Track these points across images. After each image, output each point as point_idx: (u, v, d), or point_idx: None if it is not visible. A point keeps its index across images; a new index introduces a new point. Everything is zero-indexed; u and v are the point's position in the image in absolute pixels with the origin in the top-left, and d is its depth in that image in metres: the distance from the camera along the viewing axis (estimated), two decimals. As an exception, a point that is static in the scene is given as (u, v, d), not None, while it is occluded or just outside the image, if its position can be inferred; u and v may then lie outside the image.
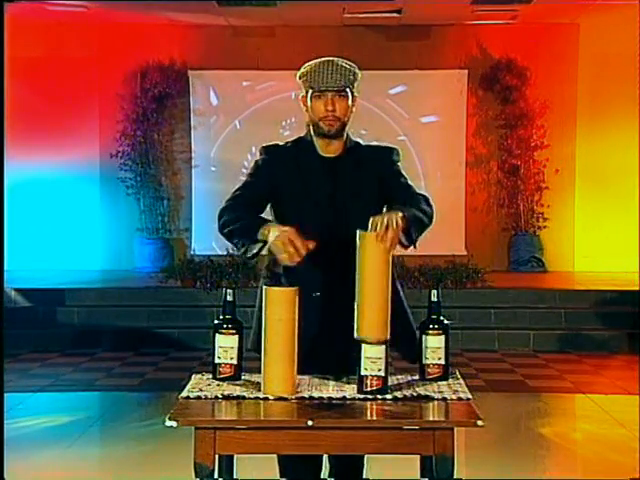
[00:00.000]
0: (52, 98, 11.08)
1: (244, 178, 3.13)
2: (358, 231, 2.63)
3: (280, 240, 2.70)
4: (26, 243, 10.90)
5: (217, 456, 2.51)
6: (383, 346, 2.56)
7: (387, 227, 2.61)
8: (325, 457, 3.23)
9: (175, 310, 8.64)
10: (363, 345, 2.55)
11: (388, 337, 2.60)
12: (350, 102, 3.02)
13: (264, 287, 2.68)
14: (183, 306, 8.67)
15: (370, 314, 2.60)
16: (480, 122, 11.32)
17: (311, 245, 2.71)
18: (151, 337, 8.35)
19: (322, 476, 3.27)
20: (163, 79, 10.98)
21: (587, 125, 11.14)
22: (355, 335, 2.62)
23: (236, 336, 2.71)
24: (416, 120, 11.32)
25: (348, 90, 3.01)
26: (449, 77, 11.20)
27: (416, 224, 2.83)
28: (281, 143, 3.17)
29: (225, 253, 9.44)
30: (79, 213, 11.27)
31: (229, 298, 2.75)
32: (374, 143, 3.26)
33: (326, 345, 2.96)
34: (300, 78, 3.06)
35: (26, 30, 10.57)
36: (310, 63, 3.07)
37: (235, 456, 2.86)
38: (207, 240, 11.23)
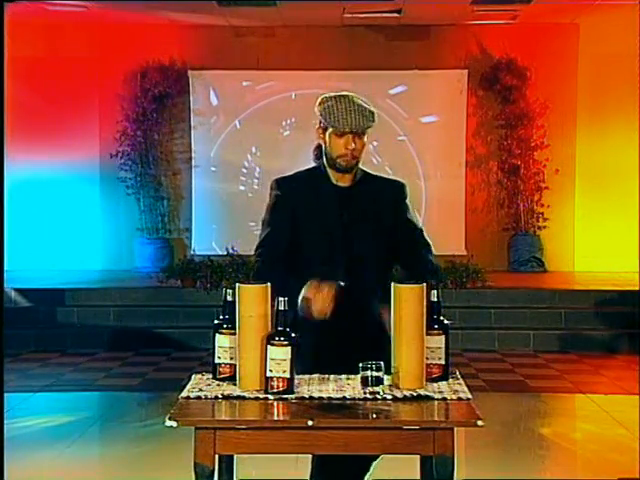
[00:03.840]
0: (52, 98, 11.08)
1: (266, 216, 3.18)
2: (393, 284, 2.70)
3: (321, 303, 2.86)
4: (26, 243, 10.90)
5: (217, 456, 2.50)
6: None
7: None
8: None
9: (175, 310, 8.65)
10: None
11: (424, 384, 2.67)
12: (365, 141, 3.10)
13: (237, 284, 2.71)
14: (183, 306, 8.68)
15: (408, 365, 2.66)
16: (480, 122, 11.32)
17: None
18: (151, 337, 8.35)
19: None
20: (163, 79, 10.98)
21: (587, 125, 11.15)
22: (394, 381, 2.68)
23: (236, 336, 2.71)
24: (416, 120, 11.32)
25: (366, 130, 3.09)
26: (449, 77, 11.20)
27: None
28: (291, 173, 3.25)
29: (225, 253, 9.46)
30: (79, 213, 11.27)
31: (229, 298, 2.75)
32: (383, 175, 3.32)
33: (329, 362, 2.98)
34: (320, 113, 3.10)
35: (26, 30, 10.58)
36: (331, 99, 3.10)
37: (235, 456, 2.86)
38: (207, 240, 11.24)
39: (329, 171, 3.15)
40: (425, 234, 3.22)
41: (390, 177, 3.33)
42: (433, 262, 3.13)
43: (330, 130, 3.08)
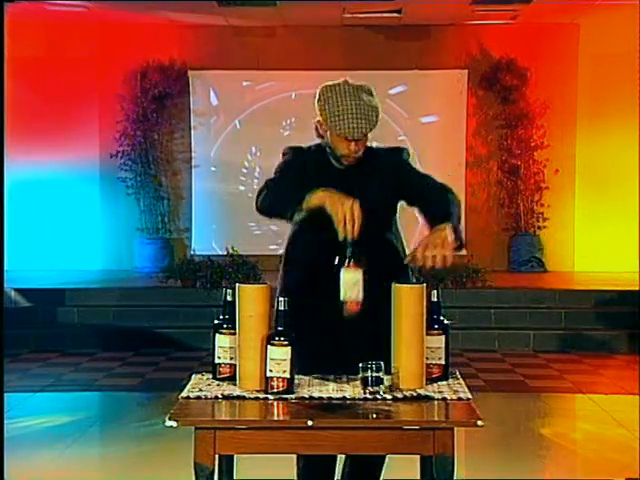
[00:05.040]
0: (52, 98, 11.08)
1: (274, 174, 3.09)
2: (393, 284, 2.68)
3: (347, 213, 2.71)
4: (26, 243, 10.90)
5: (217, 456, 2.50)
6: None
7: (427, 252, 2.70)
8: (340, 458, 3.26)
9: (175, 310, 8.64)
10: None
11: (424, 384, 2.66)
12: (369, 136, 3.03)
13: (237, 284, 2.69)
14: (183, 306, 8.67)
15: (408, 365, 2.66)
16: (480, 122, 11.32)
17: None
18: (151, 337, 8.34)
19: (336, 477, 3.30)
20: (163, 79, 10.99)
21: (587, 125, 11.15)
22: (394, 382, 2.67)
23: (236, 336, 2.71)
24: (416, 120, 11.32)
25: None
26: (449, 77, 11.21)
27: (458, 224, 2.87)
28: (304, 146, 3.18)
29: (225, 253, 9.46)
30: (79, 213, 11.27)
31: (229, 298, 2.75)
32: (384, 146, 3.23)
33: (332, 346, 3.00)
34: (320, 111, 2.98)
35: (26, 30, 10.58)
36: (331, 95, 2.96)
37: (235, 456, 2.86)
38: (207, 240, 11.25)
39: (331, 157, 3.07)
40: (434, 177, 3.13)
41: (389, 146, 3.23)
42: (454, 199, 3.01)
43: (331, 131, 2.99)
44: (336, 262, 2.73)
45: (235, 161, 11.35)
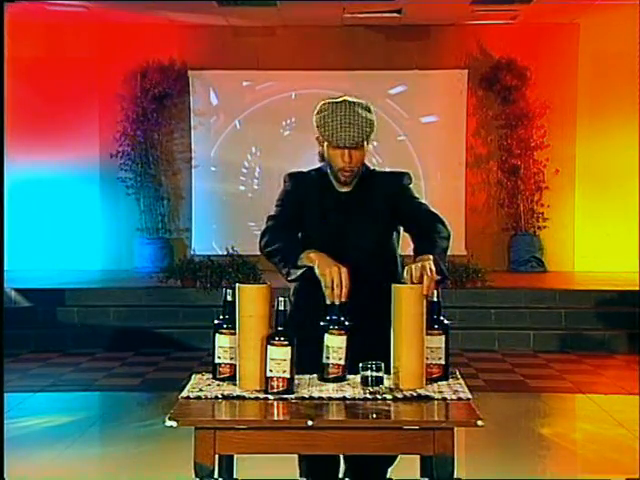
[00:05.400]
0: (52, 98, 11.09)
1: (275, 206, 3.19)
2: (393, 285, 2.69)
3: (335, 278, 2.77)
4: (26, 243, 10.90)
5: (217, 456, 2.51)
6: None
7: (421, 275, 2.71)
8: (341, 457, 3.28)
9: (175, 310, 8.65)
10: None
11: (424, 384, 2.66)
12: (365, 150, 3.08)
13: (237, 284, 2.71)
14: (183, 306, 8.67)
15: (408, 365, 2.66)
16: (480, 122, 11.32)
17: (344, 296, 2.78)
18: (151, 337, 8.34)
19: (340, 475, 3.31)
20: (163, 79, 10.99)
21: (587, 125, 11.15)
22: (393, 383, 2.67)
23: (236, 336, 2.71)
24: (416, 120, 11.32)
25: (365, 142, 3.05)
26: (449, 77, 11.21)
27: (443, 256, 2.92)
28: (305, 170, 3.25)
29: (225, 253, 9.46)
30: (79, 213, 11.27)
31: (229, 298, 2.75)
32: (386, 170, 3.30)
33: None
34: (316, 124, 3.06)
35: (26, 30, 10.58)
36: (326, 109, 3.05)
37: (235, 456, 2.86)
38: (207, 240, 11.25)
39: (331, 177, 3.15)
40: (431, 207, 3.18)
41: (392, 170, 3.30)
42: (443, 231, 3.06)
43: (327, 143, 3.06)
44: (322, 324, 2.75)
45: (235, 161, 11.36)
